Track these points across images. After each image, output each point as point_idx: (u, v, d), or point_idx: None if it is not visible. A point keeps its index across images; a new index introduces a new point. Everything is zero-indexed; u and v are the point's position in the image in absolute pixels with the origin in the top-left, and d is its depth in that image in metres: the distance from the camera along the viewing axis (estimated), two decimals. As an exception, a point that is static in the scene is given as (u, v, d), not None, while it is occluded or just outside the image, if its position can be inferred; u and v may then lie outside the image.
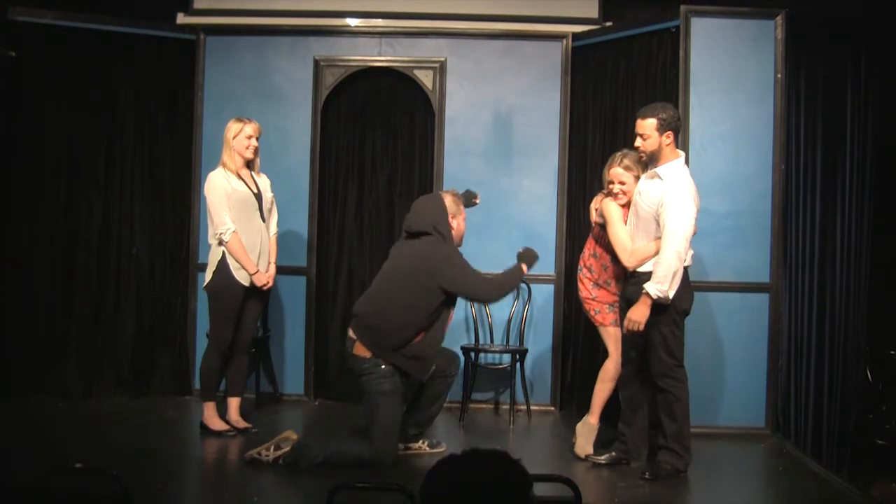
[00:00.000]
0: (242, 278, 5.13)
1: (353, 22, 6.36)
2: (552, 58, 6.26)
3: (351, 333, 4.70)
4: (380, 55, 6.32)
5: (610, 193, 4.84)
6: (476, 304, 6.08)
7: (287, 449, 4.56)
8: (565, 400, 6.17)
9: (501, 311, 6.19)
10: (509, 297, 6.09)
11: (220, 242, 5.10)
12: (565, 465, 4.79)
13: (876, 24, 5.61)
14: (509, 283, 4.81)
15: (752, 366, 5.54)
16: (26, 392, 5.82)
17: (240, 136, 5.17)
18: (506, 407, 6.00)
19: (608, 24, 6.22)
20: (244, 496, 4.23)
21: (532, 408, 6.05)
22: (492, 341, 6.17)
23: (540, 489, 1.99)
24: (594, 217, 4.96)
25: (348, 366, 4.75)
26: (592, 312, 4.98)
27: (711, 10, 5.61)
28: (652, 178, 4.58)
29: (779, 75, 5.55)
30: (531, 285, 6.14)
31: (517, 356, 5.90)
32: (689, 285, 4.59)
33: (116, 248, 6.16)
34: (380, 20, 6.35)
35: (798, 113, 5.68)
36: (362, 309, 4.72)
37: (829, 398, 5.59)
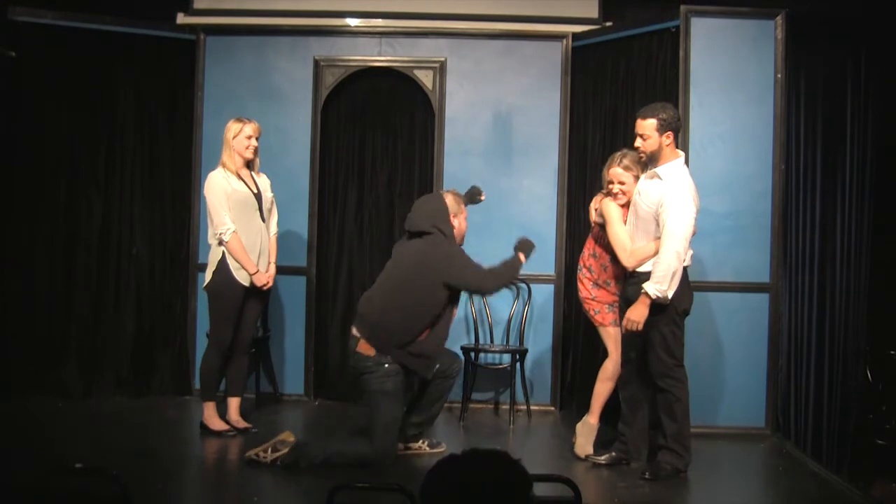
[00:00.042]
0: (242, 278, 5.13)
1: (353, 22, 6.36)
2: (552, 58, 6.26)
3: (354, 331, 4.71)
4: (380, 55, 6.32)
5: (609, 193, 4.84)
6: (476, 306, 6.09)
7: (285, 451, 4.55)
8: (565, 400, 6.17)
9: (501, 311, 6.20)
10: (509, 297, 6.14)
11: (220, 242, 5.10)
12: (565, 465, 4.79)
13: (876, 24, 5.61)
14: (509, 273, 4.84)
15: (752, 366, 5.54)
16: (26, 392, 5.82)
17: (239, 136, 5.17)
18: (506, 407, 6.00)
19: (608, 24, 6.22)
20: (244, 496, 4.23)
21: (532, 408, 6.05)
22: (492, 341, 6.17)
23: (540, 489, 1.99)
24: (594, 217, 4.96)
25: (351, 364, 4.74)
26: (592, 312, 4.98)
27: (711, 10, 5.61)
28: (651, 178, 4.57)
29: (779, 75, 5.55)
30: (531, 285, 6.15)
31: (517, 356, 5.90)
32: (688, 285, 4.59)
33: (116, 248, 6.16)
34: (380, 20, 6.35)
35: (798, 113, 5.68)
36: (366, 307, 4.72)
37: (829, 398, 5.59)
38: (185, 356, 6.23)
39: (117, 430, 5.30)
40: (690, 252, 4.59)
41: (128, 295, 6.16)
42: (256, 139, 5.22)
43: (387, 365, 4.61)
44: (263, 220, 5.24)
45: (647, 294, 4.42)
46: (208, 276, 5.17)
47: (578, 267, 5.09)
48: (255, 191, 5.21)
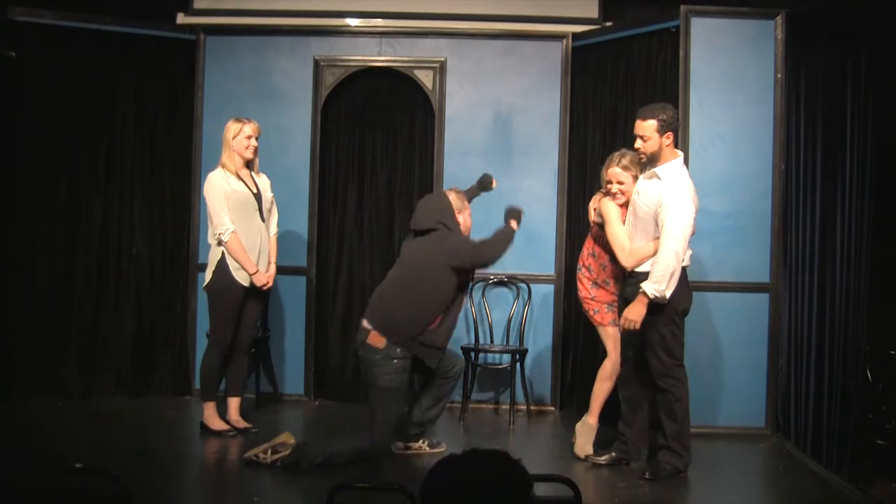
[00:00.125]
0: (242, 278, 5.13)
1: (353, 22, 6.36)
2: (552, 58, 6.26)
3: (365, 324, 4.74)
4: (380, 55, 6.32)
5: (608, 193, 4.84)
6: (476, 306, 6.10)
7: (286, 452, 4.55)
8: (565, 400, 6.17)
9: (501, 310, 6.20)
10: (509, 297, 6.14)
11: (220, 243, 5.10)
12: (565, 465, 4.79)
13: (876, 24, 5.61)
14: (504, 241, 4.87)
15: (752, 366, 5.54)
16: (26, 392, 5.82)
17: (239, 136, 5.17)
18: (506, 407, 6.00)
19: (608, 24, 6.22)
20: (244, 496, 4.24)
21: (532, 408, 6.05)
22: (492, 341, 6.17)
23: (540, 489, 1.99)
24: (592, 217, 4.96)
25: (360, 356, 4.76)
26: (591, 312, 4.98)
27: (711, 10, 5.61)
28: (650, 178, 4.57)
29: (779, 75, 5.55)
30: (531, 285, 6.15)
31: (517, 356, 5.90)
32: (687, 285, 4.59)
33: (116, 248, 6.16)
34: (380, 20, 6.35)
35: (798, 113, 5.67)
36: (378, 300, 4.79)
37: (829, 398, 5.59)
38: (185, 356, 6.23)
39: (117, 430, 5.30)
40: (689, 252, 4.59)
41: (128, 295, 6.16)
42: (256, 139, 5.22)
43: (395, 360, 4.65)
44: (263, 220, 5.24)
45: (644, 293, 4.42)
46: (208, 276, 5.17)
47: (578, 266, 5.09)
48: (255, 191, 5.21)
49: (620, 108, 5.95)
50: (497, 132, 6.27)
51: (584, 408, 5.16)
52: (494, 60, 6.29)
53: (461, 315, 6.05)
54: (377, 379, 4.66)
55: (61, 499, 3.39)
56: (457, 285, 4.75)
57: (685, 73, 5.55)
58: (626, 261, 4.64)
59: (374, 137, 6.40)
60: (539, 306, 6.21)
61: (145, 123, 6.25)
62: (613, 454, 4.77)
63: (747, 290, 5.55)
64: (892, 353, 5.76)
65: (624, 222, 4.73)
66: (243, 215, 5.15)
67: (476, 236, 5.29)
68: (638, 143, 4.57)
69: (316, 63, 6.28)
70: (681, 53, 5.57)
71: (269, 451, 4.58)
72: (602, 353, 5.04)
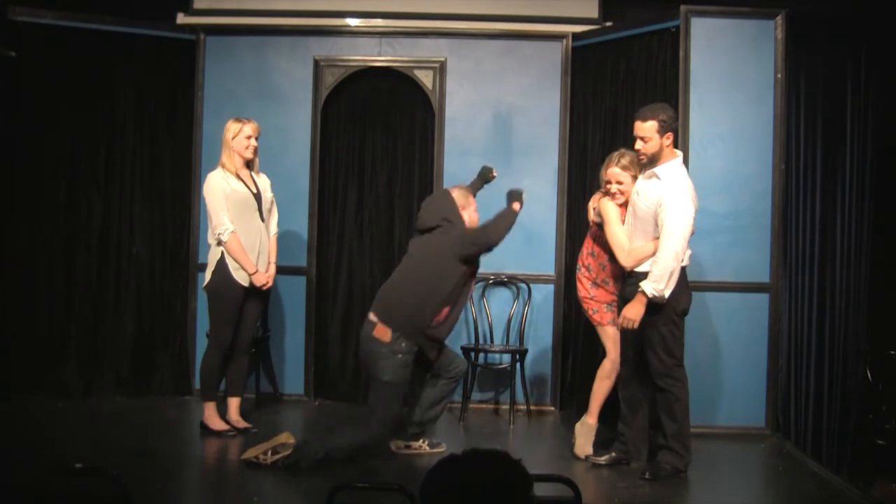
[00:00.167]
0: (241, 278, 5.13)
1: (353, 22, 6.36)
2: (552, 58, 6.26)
3: (371, 316, 4.75)
4: (380, 55, 6.32)
5: (607, 193, 4.84)
6: (476, 306, 6.10)
7: (286, 453, 4.55)
8: (565, 400, 6.17)
9: (501, 310, 6.20)
10: (509, 297, 6.14)
11: (219, 243, 5.10)
12: (565, 465, 4.79)
13: (876, 24, 5.61)
14: (507, 222, 4.88)
15: (751, 366, 5.54)
16: (26, 392, 5.82)
17: (239, 136, 5.17)
18: (506, 407, 6.00)
19: (608, 24, 6.22)
20: (244, 496, 4.24)
21: (532, 408, 6.05)
22: (492, 341, 6.17)
23: (540, 489, 1.99)
24: (592, 216, 4.96)
25: (364, 348, 4.76)
26: (591, 312, 4.98)
27: (711, 10, 5.61)
28: (650, 178, 4.57)
29: (779, 75, 5.55)
30: (531, 285, 6.15)
31: (517, 356, 5.90)
32: (687, 285, 4.59)
33: (116, 248, 6.16)
34: (380, 20, 6.35)
35: (798, 113, 5.67)
36: (385, 293, 4.82)
37: (829, 398, 5.59)
38: (185, 356, 6.23)
39: (117, 430, 5.30)
40: (689, 252, 4.59)
41: (128, 295, 6.16)
42: (256, 139, 5.22)
43: (400, 356, 4.66)
44: (263, 220, 5.24)
45: (643, 292, 4.42)
46: (208, 276, 5.17)
47: (577, 266, 5.09)
48: (255, 191, 5.21)
49: (620, 108, 5.94)
50: (497, 132, 6.27)
51: (584, 408, 5.16)
52: (494, 60, 6.29)
53: (462, 315, 6.09)
54: (381, 373, 4.67)
55: (61, 499, 3.39)
56: (463, 276, 4.76)
57: (685, 73, 5.55)
58: (626, 261, 4.64)
59: (374, 137, 6.40)
60: (539, 306, 6.21)
61: (145, 123, 6.24)
62: (613, 454, 4.77)
63: (747, 290, 5.55)
64: (892, 353, 5.76)
65: (623, 222, 4.73)
66: (243, 215, 5.15)
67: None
68: (638, 145, 4.57)
69: (316, 63, 6.28)
70: (681, 53, 5.57)
71: (269, 452, 4.58)
72: (602, 353, 5.04)
